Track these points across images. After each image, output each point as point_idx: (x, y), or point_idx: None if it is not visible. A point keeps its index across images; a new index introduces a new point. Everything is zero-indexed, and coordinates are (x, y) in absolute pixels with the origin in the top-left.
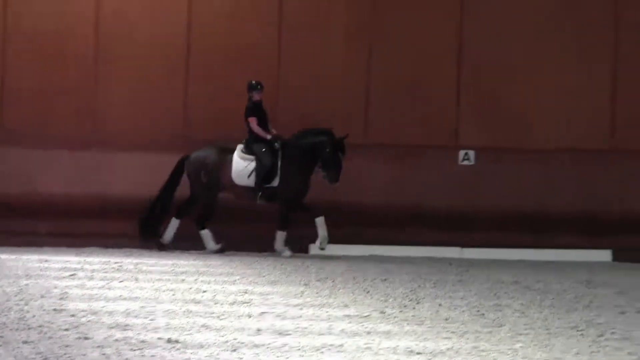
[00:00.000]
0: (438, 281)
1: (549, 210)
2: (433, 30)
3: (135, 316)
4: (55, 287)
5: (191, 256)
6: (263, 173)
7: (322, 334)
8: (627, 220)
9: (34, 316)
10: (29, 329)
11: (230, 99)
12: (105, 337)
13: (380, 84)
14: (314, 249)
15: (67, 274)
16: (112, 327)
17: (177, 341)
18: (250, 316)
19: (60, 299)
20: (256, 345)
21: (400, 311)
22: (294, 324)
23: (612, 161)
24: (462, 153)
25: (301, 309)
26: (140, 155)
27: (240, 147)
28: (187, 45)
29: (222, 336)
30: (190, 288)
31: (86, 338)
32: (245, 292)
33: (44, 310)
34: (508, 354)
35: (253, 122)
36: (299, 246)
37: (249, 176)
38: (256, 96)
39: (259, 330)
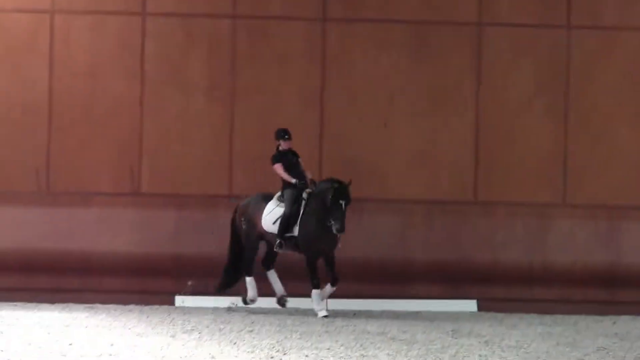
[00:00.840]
0: (304, 332)
1: (413, 260)
2: (292, 86)
3: None
4: None
5: (56, 308)
6: (284, 220)
7: None
8: (492, 270)
9: None
10: None
11: (94, 153)
12: None
13: (240, 139)
14: (178, 301)
15: None
16: None
17: None
18: None
19: None
20: None
21: None
22: None
23: (476, 213)
24: None
25: None
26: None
27: (278, 194)
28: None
29: None
30: (57, 340)
31: None
32: (112, 345)
33: None
34: None
35: (279, 168)
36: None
37: (274, 223)
38: (283, 145)
39: None
